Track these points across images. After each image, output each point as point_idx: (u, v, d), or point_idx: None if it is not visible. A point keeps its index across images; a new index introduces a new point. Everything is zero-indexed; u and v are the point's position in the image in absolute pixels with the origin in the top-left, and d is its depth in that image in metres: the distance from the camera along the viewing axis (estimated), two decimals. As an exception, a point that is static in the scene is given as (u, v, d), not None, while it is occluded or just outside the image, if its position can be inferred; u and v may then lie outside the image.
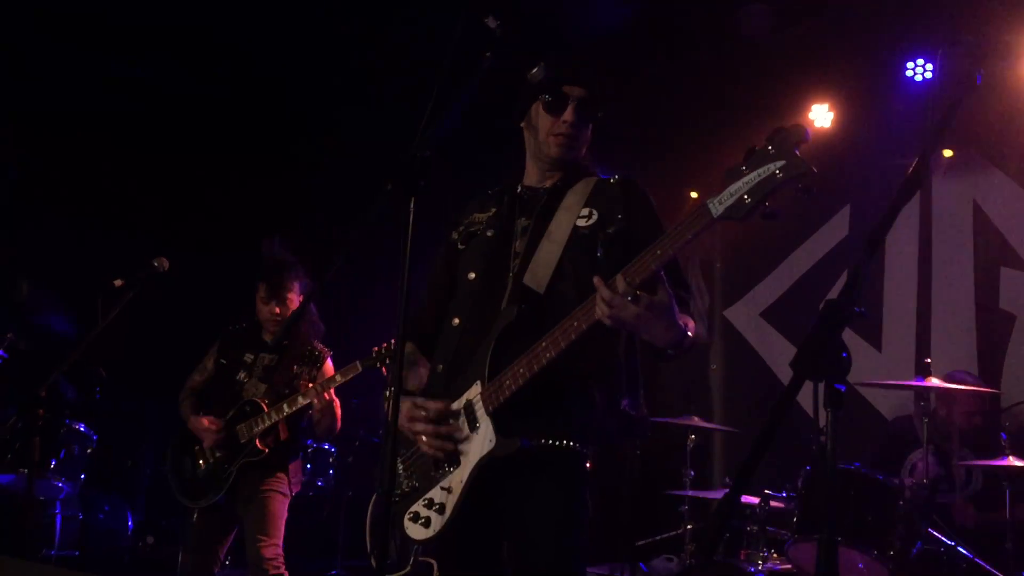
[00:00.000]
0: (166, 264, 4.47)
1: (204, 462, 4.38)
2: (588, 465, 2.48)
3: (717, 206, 2.02)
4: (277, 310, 4.47)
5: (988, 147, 5.96)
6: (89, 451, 5.40)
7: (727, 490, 5.34)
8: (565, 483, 2.39)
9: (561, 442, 2.38)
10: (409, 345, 2.78)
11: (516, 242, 2.59)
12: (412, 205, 2.32)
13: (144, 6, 5.90)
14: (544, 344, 2.29)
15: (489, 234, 2.65)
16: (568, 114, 2.57)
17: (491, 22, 2.46)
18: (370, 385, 6.54)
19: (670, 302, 2.19)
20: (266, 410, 4.30)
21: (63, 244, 6.53)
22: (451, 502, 2.40)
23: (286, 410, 4.25)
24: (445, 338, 2.62)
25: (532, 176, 2.70)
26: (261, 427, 4.27)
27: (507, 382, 2.35)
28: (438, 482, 2.45)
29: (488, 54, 2.43)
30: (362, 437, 6.57)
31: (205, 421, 4.34)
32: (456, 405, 2.47)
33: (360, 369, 4.21)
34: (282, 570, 4.19)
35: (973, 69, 1.88)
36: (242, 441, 4.31)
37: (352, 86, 6.68)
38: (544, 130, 2.61)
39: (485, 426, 2.38)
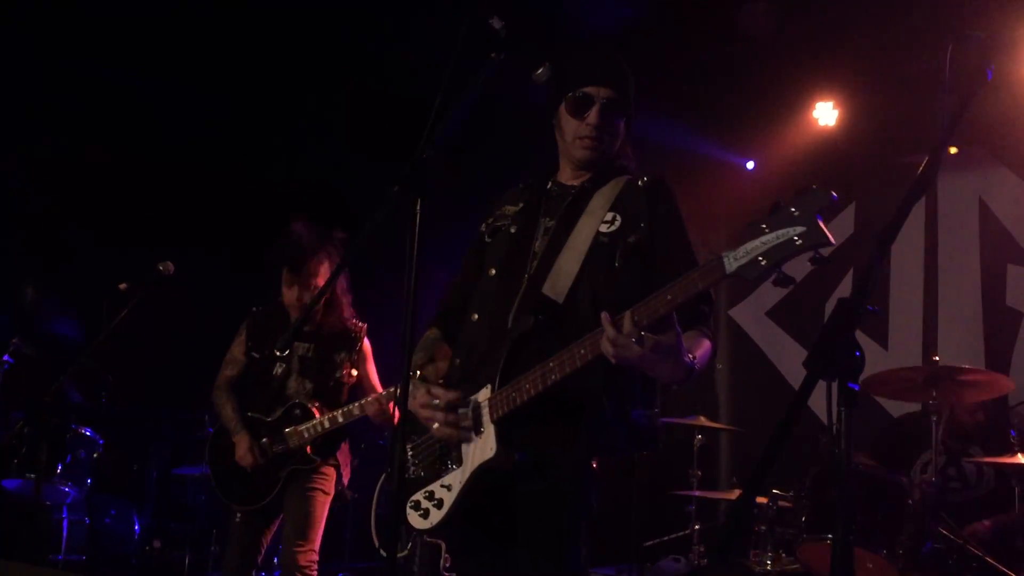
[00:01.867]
0: (171, 268, 4.47)
1: (249, 467, 4.16)
2: (594, 465, 2.45)
3: (732, 262, 1.98)
4: (299, 294, 4.20)
5: (994, 144, 5.95)
6: (96, 455, 5.39)
7: (736, 490, 5.34)
8: (567, 490, 2.37)
9: (565, 453, 2.37)
10: (433, 331, 2.78)
11: (536, 242, 2.57)
12: (419, 206, 2.33)
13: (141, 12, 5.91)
14: (552, 365, 2.27)
15: (513, 231, 2.63)
16: (593, 116, 2.54)
17: (496, 23, 2.45)
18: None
19: (677, 343, 2.16)
20: (317, 416, 4.09)
21: (68, 249, 6.53)
22: (449, 500, 2.40)
23: (340, 421, 4.05)
24: (465, 332, 2.61)
25: (564, 173, 2.67)
26: (312, 436, 4.07)
27: (514, 394, 2.34)
28: (441, 476, 2.45)
29: (494, 55, 2.42)
30: (368, 440, 6.55)
31: (243, 443, 4.12)
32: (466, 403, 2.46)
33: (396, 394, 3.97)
34: None
35: (984, 64, 1.85)
36: (292, 446, 4.10)
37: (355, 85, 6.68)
38: (570, 132, 2.58)
39: (488, 433, 2.37)
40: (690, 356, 2.24)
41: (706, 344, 2.37)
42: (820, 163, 6.56)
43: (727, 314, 7.22)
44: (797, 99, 6.37)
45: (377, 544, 2.46)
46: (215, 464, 4.33)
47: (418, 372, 2.63)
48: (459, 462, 2.42)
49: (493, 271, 2.61)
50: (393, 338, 4.11)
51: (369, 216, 2.48)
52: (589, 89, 2.55)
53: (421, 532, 2.45)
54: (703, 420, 5.54)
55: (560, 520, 2.35)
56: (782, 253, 1.91)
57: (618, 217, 2.50)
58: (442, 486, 2.43)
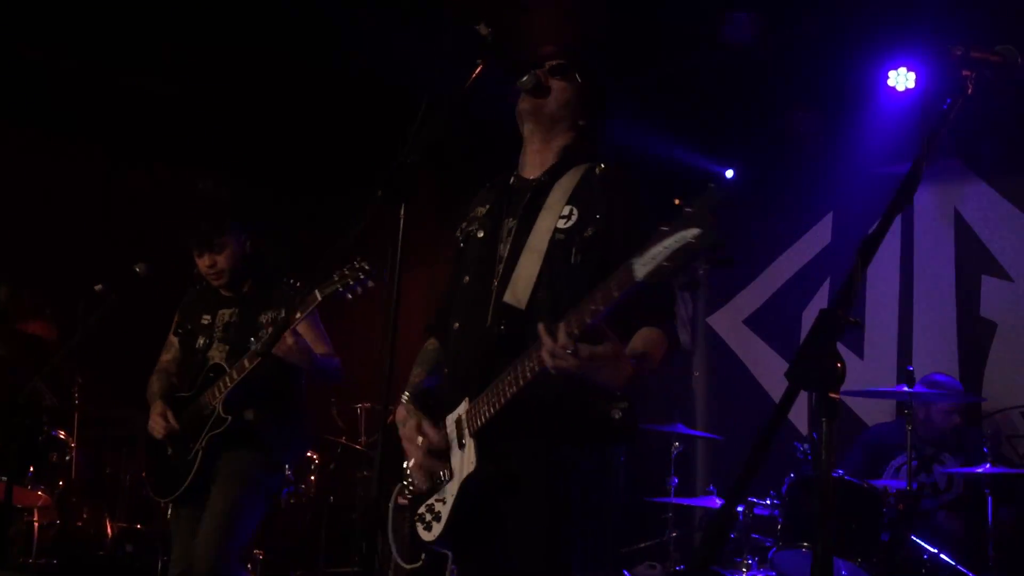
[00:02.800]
0: (148, 269, 4.42)
1: (172, 449, 3.85)
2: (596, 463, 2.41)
3: (640, 269, 1.92)
4: (210, 261, 3.91)
5: (969, 156, 6.01)
6: (68, 458, 5.35)
7: (713, 498, 5.34)
8: (550, 494, 2.34)
9: (547, 458, 2.36)
10: (432, 342, 2.77)
11: (501, 244, 2.54)
12: (402, 211, 2.32)
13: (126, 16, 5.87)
14: (508, 379, 2.26)
15: (480, 235, 2.62)
16: (539, 79, 2.53)
17: (483, 29, 2.45)
18: (351, 391, 6.54)
19: (613, 352, 2.12)
20: (228, 370, 3.74)
21: (43, 249, 6.47)
22: (445, 512, 2.40)
23: (247, 365, 3.63)
24: (449, 342, 2.61)
25: (524, 166, 2.64)
26: (223, 391, 3.70)
27: (484, 407, 2.33)
28: (438, 489, 2.45)
29: (480, 61, 2.42)
30: (344, 443, 6.53)
31: (155, 410, 3.83)
32: (450, 419, 2.46)
33: (319, 298, 3.43)
34: None
35: (963, 78, 1.86)
36: (205, 414, 3.77)
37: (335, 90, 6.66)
38: (520, 107, 2.58)
39: (469, 447, 2.37)
40: (635, 361, 2.19)
41: (661, 342, 2.31)
42: (798, 172, 6.61)
43: (705, 321, 7.25)
44: (776, 108, 6.41)
45: (401, 561, 2.47)
46: (147, 461, 4.02)
47: (407, 394, 2.62)
48: (451, 475, 2.42)
49: (467, 278, 2.60)
50: (366, 347, 4.07)
51: (351, 220, 2.48)
52: (541, 67, 2.55)
53: (428, 544, 2.44)
54: (680, 427, 5.56)
55: (544, 525, 2.33)
56: (683, 256, 1.84)
57: (575, 211, 2.45)
58: (438, 499, 2.43)
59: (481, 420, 2.34)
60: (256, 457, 3.80)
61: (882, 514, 4.32)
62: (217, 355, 3.89)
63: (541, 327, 2.12)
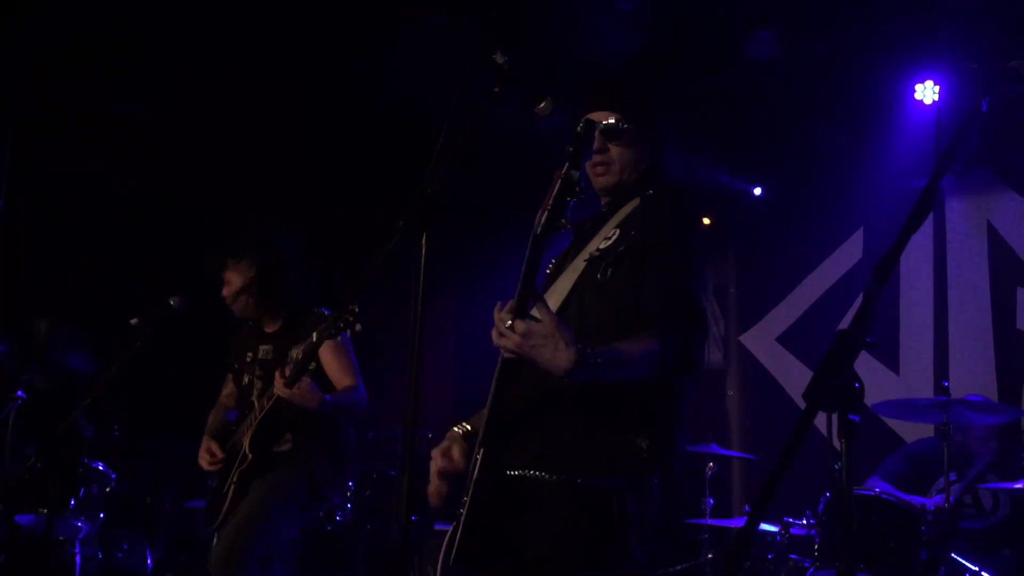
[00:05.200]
0: (182, 302, 4.49)
1: (216, 481, 4.00)
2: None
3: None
4: (225, 288, 4.08)
5: (1001, 168, 5.96)
6: (108, 489, 5.41)
7: (746, 519, 5.29)
8: (559, 521, 2.30)
9: (552, 476, 2.32)
10: None
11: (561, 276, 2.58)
12: (424, 240, 2.35)
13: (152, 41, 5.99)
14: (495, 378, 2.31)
15: (548, 270, 2.64)
16: (596, 142, 2.53)
17: (499, 57, 2.48)
18: (388, 418, 6.57)
19: (544, 331, 2.11)
20: (255, 408, 3.84)
21: (80, 283, 6.58)
22: (461, 524, 2.40)
23: (266, 405, 3.75)
24: None
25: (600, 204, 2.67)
26: (249, 428, 3.82)
27: (485, 412, 2.36)
28: (460, 509, 2.46)
29: (497, 89, 2.45)
30: (379, 470, 6.55)
31: (202, 445, 3.99)
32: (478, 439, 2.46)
33: (316, 340, 3.44)
34: None
35: (979, 96, 1.85)
36: (237, 450, 3.88)
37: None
38: (588, 163, 2.58)
39: (478, 460, 2.35)
40: (581, 347, 2.11)
41: (642, 341, 2.23)
42: (827, 189, 6.58)
43: (737, 340, 7.21)
44: (803, 124, 6.39)
45: None
46: (207, 492, 4.15)
47: (464, 425, 2.59)
48: (468, 493, 2.43)
49: None
50: (390, 380, 4.07)
51: (374, 250, 2.51)
52: (592, 115, 2.52)
53: (450, 568, 2.44)
54: (714, 447, 5.52)
55: (564, 553, 2.30)
56: None
57: (617, 231, 2.47)
58: (459, 512, 2.43)
59: (484, 428, 2.34)
60: (293, 475, 3.86)
61: (921, 532, 4.26)
62: (256, 391, 3.97)
63: (496, 307, 2.19)
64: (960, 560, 4.33)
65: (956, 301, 6.12)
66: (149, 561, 6.17)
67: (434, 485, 2.50)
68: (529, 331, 2.12)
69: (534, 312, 2.18)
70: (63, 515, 5.13)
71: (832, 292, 6.68)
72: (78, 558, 5.54)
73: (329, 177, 7.32)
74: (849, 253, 6.67)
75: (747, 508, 5.33)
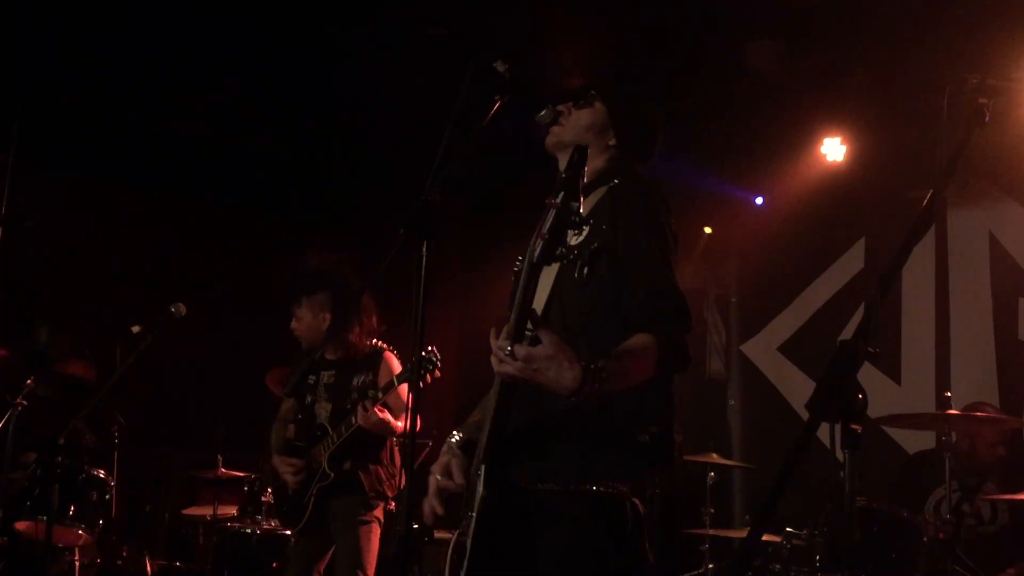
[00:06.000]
0: (183, 310, 4.53)
1: (291, 490, 4.52)
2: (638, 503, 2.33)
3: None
4: (296, 328, 4.58)
5: (1002, 178, 5.95)
6: (107, 497, 5.40)
7: (748, 528, 5.27)
8: (572, 530, 2.29)
9: (560, 486, 2.31)
10: None
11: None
12: (425, 248, 2.36)
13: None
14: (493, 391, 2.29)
15: (515, 267, 2.63)
16: (564, 109, 2.55)
17: (500, 66, 2.49)
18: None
19: (547, 353, 2.09)
20: (331, 432, 4.37)
21: (81, 290, 6.58)
22: (469, 545, 2.39)
23: (344, 432, 4.29)
24: None
25: None
26: (326, 451, 4.35)
27: (486, 429, 2.33)
28: (465, 524, 2.45)
29: (498, 98, 2.46)
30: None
31: (281, 465, 4.48)
32: (477, 454, 2.43)
33: (396, 384, 4.22)
34: None
35: (981, 107, 1.84)
36: (314, 467, 4.41)
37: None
38: (546, 142, 2.60)
39: (480, 476, 2.33)
40: (587, 365, 2.10)
41: (646, 349, 2.24)
42: (829, 198, 6.57)
43: (738, 350, 7.20)
44: (805, 135, 6.39)
45: None
46: (275, 492, 4.82)
47: (456, 435, 2.58)
48: (472, 509, 2.40)
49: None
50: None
51: (377, 258, 2.52)
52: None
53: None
54: (715, 457, 5.50)
55: (570, 564, 2.30)
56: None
57: (586, 227, 2.42)
58: (463, 534, 2.42)
59: (486, 446, 2.32)
60: (357, 499, 4.40)
61: (923, 543, 4.25)
62: (322, 413, 4.50)
63: (491, 332, 2.17)
64: (961, 570, 4.31)
65: (958, 311, 6.11)
66: (148, 568, 6.16)
67: (431, 504, 2.49)
68: (530, 355, 2.09)
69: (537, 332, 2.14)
70: (63, 522, 5.12)
71: (834, 302, 6.66)
72: (77, 565, 5.54)
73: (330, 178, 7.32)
74: (851, 263, 6.66)
75: (748, 518, 5.30)
